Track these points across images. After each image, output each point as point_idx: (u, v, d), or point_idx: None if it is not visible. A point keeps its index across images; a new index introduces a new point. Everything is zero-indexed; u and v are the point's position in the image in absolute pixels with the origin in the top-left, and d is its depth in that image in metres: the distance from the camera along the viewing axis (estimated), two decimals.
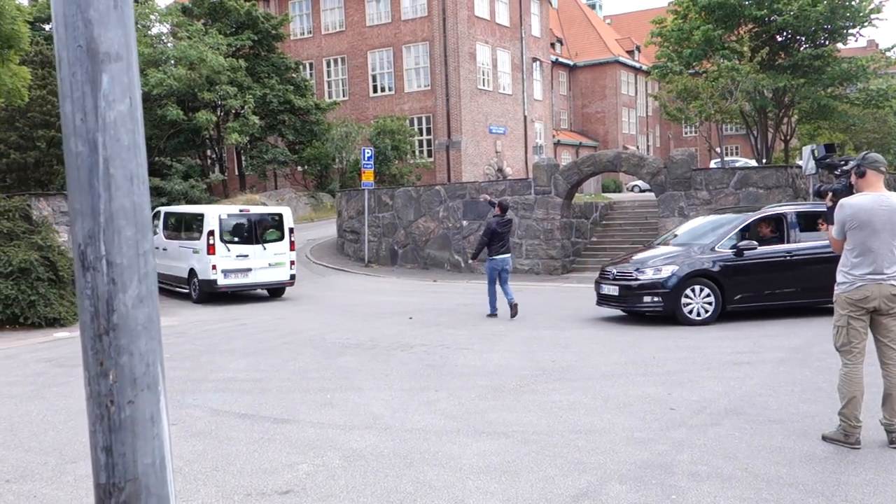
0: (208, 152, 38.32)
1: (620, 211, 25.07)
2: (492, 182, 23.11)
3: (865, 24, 31.47)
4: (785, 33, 32.77)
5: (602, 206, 24.53)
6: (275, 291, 18.11)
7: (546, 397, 7.53)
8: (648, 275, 12.11)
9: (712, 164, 41.00)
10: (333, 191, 35.76)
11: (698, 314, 11.89)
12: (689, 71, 33.20)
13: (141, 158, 1.30)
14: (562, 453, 5.77)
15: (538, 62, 48.99)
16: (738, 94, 29.10)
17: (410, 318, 13.49)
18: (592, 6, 75.39)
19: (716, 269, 11.99)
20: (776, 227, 12.47)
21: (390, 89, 43.78)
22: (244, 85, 35.08)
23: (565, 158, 52.34)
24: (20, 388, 8.73)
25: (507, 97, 45.71)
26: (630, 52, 66.68)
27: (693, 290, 11.91)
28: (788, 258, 12.14)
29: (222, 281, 16.71)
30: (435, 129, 42.51)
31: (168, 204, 27.06)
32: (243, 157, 40.41)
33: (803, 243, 12.20)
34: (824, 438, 5.84)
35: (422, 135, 42.93)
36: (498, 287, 13.35)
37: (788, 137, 37.65)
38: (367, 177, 24.41)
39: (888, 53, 32.85)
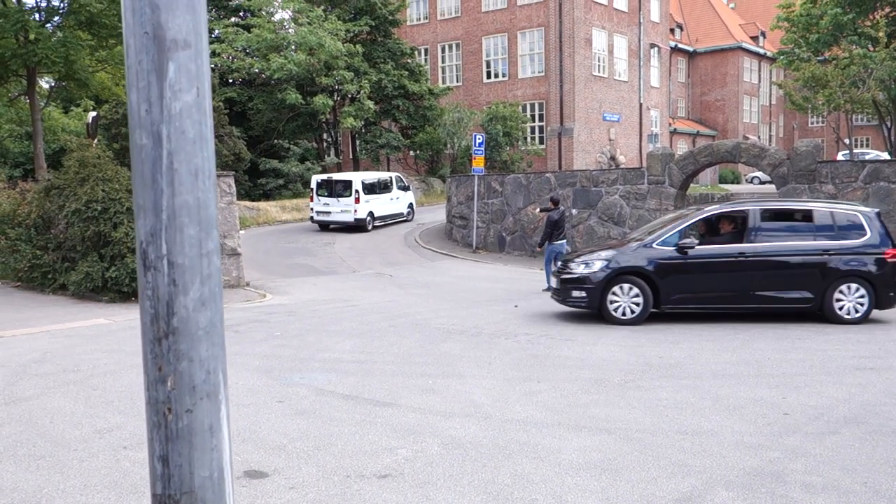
0: (324, 136, 39.29)
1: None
2: (603, 171, 22.66)
3: None
4: None
5: (718, 198, 23.69)
6: (353, 228, 27.59)
7: (651, 394, 7.32)
8: (580, 269, 11.77)
9: (840, 157, 38.94)
10: (444, 176, 36.00)
11: (623, 313, 11.42)
12: (818, 58, 31.59)
13: (208, 152, 1.24)
14: (666, 454, 5.59)
15: (656, 48, 47.71)
16: (870, 83, 27.48)
17: (516, 307, 13.42)
18: None
19: (650, 267, 11.40)
20: (736, 225, 11.78)
21: (504, 75, 43.60)
22: (360, 70, 35.68)
23: (681, 148, 50.95)
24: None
25: (623, 84, 44.75)
26: (754, 38, 63.99)
27: (621, 288, 11.42)
28: (741, 259, 11.34)
29: (316, 217, 28.15)
30: (547, 115, 42.10)
31: (285, 185, 34.65)
32: (357, 141, 41.20)
33: (765, 244, 11.35)
34: None
35: (534, 121, 42.60)
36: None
37: None
38: (478, 163, 24.38)
39: None
